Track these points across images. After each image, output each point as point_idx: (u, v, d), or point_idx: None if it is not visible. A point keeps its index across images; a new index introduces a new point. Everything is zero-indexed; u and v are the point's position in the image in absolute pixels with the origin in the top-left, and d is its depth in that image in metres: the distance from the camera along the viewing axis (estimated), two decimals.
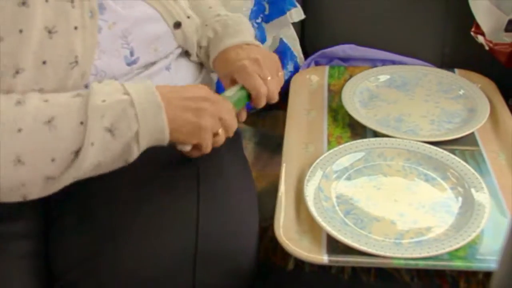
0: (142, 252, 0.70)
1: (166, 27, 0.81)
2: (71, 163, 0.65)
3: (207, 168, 0.77)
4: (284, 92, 1.11)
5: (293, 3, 1.16)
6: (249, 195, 0.82)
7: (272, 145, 1.04)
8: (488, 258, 0.73)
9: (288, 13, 1.16)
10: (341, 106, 1.01)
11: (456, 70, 1.12)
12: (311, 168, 0.85)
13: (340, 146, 0.90)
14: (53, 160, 0.64)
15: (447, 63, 1.14)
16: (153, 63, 0.81)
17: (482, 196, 0.80)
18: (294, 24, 1.19)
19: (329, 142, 0.93)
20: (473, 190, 0.81)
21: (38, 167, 0.64)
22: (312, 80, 1.11)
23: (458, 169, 0.85)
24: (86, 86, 0.72)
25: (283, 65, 1.17)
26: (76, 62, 0.70)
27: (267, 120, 1.13)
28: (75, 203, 0.75)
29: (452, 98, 1.04)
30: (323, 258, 0.73)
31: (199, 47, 0.89)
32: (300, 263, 0.77)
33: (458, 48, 1.15)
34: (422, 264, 0.72)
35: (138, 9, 0.78)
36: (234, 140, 0.88)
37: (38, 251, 0.74)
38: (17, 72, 0.66)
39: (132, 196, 0.73)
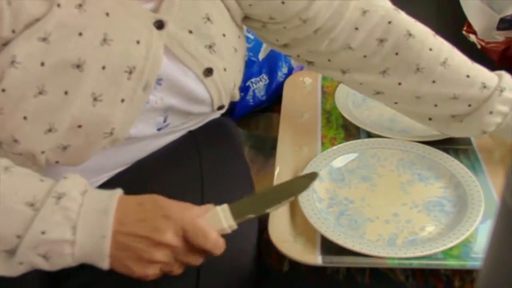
0: None
1: (210, 110, 0.79)
2: (3, 260, 0.62)
3: (211, 171, 0.77)
4: (278, 94, 1.12)
5: None
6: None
7: (266, 148, 1.04)
8: (482, 256, 0.73)
9: None
10: (335, 108, 1.01)
11: None
12: (305, 170, 0.85)
13: (333, 148, 0.90)
14: None
15: None
16: (179, 125, 0.80)
17: (476, 195, 0.80)
18: None
19: (323, 144, 0.94)
20: (466, 189, 0.82)
21: None
22: (305, 82, 1.11)
23: (451, 168, 0.86)
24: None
25: (277, 68, 1.18)
26: (111, 133, 0.69)
27: (261, 123, 1.13)
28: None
29: None
30: (318, 259, 0.73)
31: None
32: (295, 265, 0.77)
33: None
34: (416, 264, 0.73)
35: (195, 92, 0.75)
36: (236, 144, 0.88)
37: None
38: (49, 130, 0.65)
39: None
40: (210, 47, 0.75)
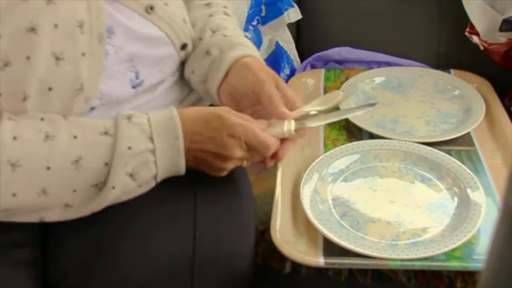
0: (140, 257, 0.70)
1: (173, 50, 0.80)
2: (92, 196, 0.69)
3: (203, 173, 0.78)
4: None
5: (290, 3, 1.17)
6: (246, 199, 0.82)
7: None
8: (484, 258, 0.73)
9: (285, 13, 1.16)
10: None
11: (451, 70, 1.12)
12: (307, 171, 0.85)
13: (336, 149, 0.90)
14: (74, 191, 0.67)
15: (442, 64, 1.14)
16: (156, 84, 0.81)
17: (478, 196, 0.80)
18: (289, 27, 1.19)
19: (325, 145, 0.94)
20: (469, 190, 0.82)
21: (60, 197, 0.68)
22: (308, 83, 1.11)
23: (454, 169, 0.86)
24: (92, 109, 0.72)
25: (280, 68, 1.18)
26: (82, 89, 0.69)
27: None
28: None
29: (448, 99, 1.04)
30: (320, 260, 0.73)
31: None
32: (297, 266, 0.77)
33: (453, 48, 1.15)
34: (418, 265, 0.73)
35: (147, 33, 0.76)
36: None
37: (35, 259, 0.75)
38: (24, 99, 0.67)
39: (128, 203, 0.73)
40: None
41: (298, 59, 1.21)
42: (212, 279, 0.71)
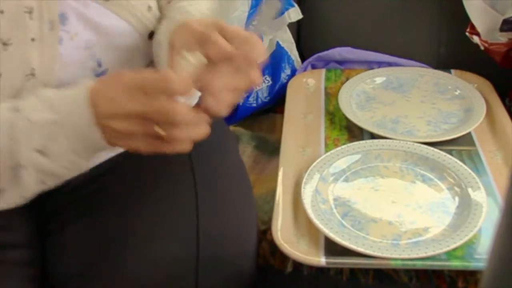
0: (144, 259, 0.70)
1: (138, 39, 0.77)
2: (15, 180, 0.64)
3: (204, 173, 0.78)
4: (281, 96, 1.12)
5: (290, 2, 1.16)
6: (247, 199, 0.82)
7: (269, 148, 1.04)
8: (486, 257, 0.73)
9: (286, 13, 1.16)
10: (338, 109, 1.01)
11: (452, 70, 1.12)
12: (308, 171, 0.85)
13: (337, 149, 0.90)
14: None
15: (443, 64, 1.14)
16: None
17: (479, 196, 0.81)
18: (290, 27, 1.19)
19: (326, 145, 0.94)
20: (470, 190, 0.82)
21: None
22: (309, 84, 1.11)
23: (455, 169, 0.86)
24: None
25: (280, 68, 1.18)
26: (33, 74, 0.68)
27: (264, 124, 1.13)
28: (74, 213, 0.76)
29: (449, 99, 1.04)
30: (321, 260, 0.74)
31: None
32: (299, 266, 0.77)
33: (454, 48, 1.15)
34: (420, 265, 0.73)
35: (109, 21, 0.74)
36: (229, 144, 0.88)
37: (32, 260, 0.74)
38: None
39: (131, 204, 0.73)
40: None
41: (299, 59, 1.21)
42: (216, 280, 0.71)
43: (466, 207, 0.80)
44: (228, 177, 0.79)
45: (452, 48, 1.16)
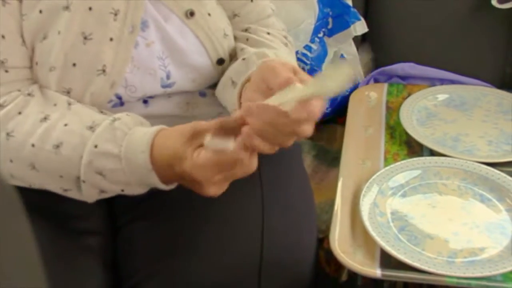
0: (209, 259, 0.73)
1: (208, 61, 0.80)
2: (76, 186, 0.71)
3: (270, 181, 0.80)
4: (343, 107, 1.14)
5: (357, 16, 1.18)
6: (309, 207, 0.85)
7: (329, 158, 1.07)
8: None
9: (352, 26, 1.18)
10: (399, 124, 1.02)
11: None
12: (367, 183, 0.87)
13: (397, 163, 0.92)
14: (61, 177, 0.71)
15: (507, 84, 1.14)
16: (192, 93, 0.82)
17: None
18: (354, 40, 1.21)
19: (385, 159, 0.95)
20: None
21: (51, 178, 0.71)
22: (370, 97, 1.13)
23: None
24: (119, 98, 0.77)
25: None
26: (103, 70, 0.74)
27: (324, 134, 1.15)
28: (144, 210, 0.80)
29: (511, 120, 1.04)
30: (377, 272, 0.75)
31: None
32: (353, 275, 0.79)
33: None
34: (474, 284, 0.74)
35: (185, 39, 0.78)
36: (295, 153, 0.91)
37: (105, 247, 0.79)
38: (50, 70, 0.73)
39: (199, 207, 0.76)
40: None
41: (362, 73, 1.22)
42: (278, 285, 0.73)
43: None
44: (293, 185, 0.82)
45: None
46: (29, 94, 0.73)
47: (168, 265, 0.73)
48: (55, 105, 0.73)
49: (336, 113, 1.19)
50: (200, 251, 0.73)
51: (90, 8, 0.72)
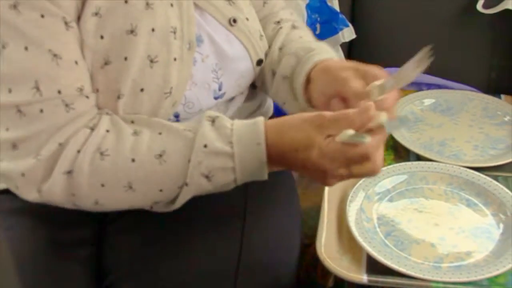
0: (186, 258, 0.73)
1: (251, 64, 0.82)
2: (173, 196, 0.70)
3: (254, 184, 0.80)
4: None
5: (345, 22, 1.19)
6: (294, 211, 0.85)
7: None
8: None
9: (340, 33, 1.19)
10: None
11: (502, 96, 1.12)
12: (354, 189, 0.87)
13: (383, 168, 0.91)
14: (161, 190, 0.69)
15: (493, 89, 1.15)
16: (233, 97, 0.84)
17: None
18: (341, 46, 1.21)
19: None
20: None
21: (146, 195, 0.69)
22: None
23: (500, 195, 0.86)
24: (176, 116, 0.76)
25: None
26: (170, 92, 0.72)
27: None
28: (132, 218, 0.79)
29: (497, 124, 1.05)
30: (363, 277, 0.75)
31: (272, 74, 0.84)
32: (340, 281, 0.79)
33: (505, 73, 1.15)
34: None
35: (232, 46, 0.79)
36: None
37: (92, 256, 0.79)
38: (118, 97, 0.70)
39: (184, 216, 0.75)
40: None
41: None
42: (255, 285, 0.73)
43: (510, 234, 0.80)
44: (277, 189, 0.81)
45: (503, 73, 1.17)
46: (108, 113, 0.71)
47: (142, 266, 0.73)
48: (132, 122, 0.71)
49: None
50: (177, 250, 0.73)
51: (153, 30, 0.71)
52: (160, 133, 0.69)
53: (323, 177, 0.66)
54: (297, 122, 0.67)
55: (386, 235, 0.81)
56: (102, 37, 0.69)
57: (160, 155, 0.68)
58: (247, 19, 0.81)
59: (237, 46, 0.80)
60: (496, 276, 0.74)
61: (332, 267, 0.77)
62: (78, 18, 0.69)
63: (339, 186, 0.89)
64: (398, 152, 0.98)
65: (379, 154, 0.66)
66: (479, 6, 1.12)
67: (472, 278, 0.73)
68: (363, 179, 0.89)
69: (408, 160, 0.95)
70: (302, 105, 0.79)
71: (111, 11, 0.69)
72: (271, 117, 0.95)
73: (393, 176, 0.91)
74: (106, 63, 0.69)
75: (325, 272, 0.80)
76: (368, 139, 0.63)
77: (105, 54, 0.69)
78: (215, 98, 0.79)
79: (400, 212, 0.85)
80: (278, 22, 0.89)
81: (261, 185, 0.81)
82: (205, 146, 0.67)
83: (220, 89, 0.79)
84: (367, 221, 0.83)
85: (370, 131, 0.64)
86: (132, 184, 0.68)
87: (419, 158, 0.96)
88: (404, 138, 1.00)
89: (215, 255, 0.73)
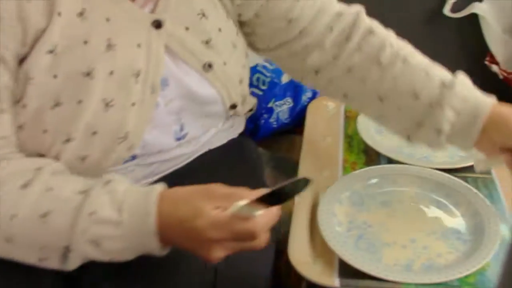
0: (163, 272, 0.72)
1: (222, 108, 0.81)
2: (60, 256, 0.65)
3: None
4: (301, 117, 1.15)
5: None
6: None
7: (288, 169, 1.06)
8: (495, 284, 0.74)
9: None
10: (357, 133, 1.03)
11: None
12: (325, 193, 0.87)
13: (355, 172, 0.92)
14: (42, 249, 0.65)
15: None
16: (199, 136, 0.82)
17: (493, 224, 0.82)
18: None
19: (344, 168, 0.96)
20: (484, 218, 0.83)
21: (27, 250, 0.65)
22: (329, 107, 1.13)
23: (470, 196, 0.87)
24: (133, 157, 0.74)
25: (302, 92, 1.20)
26: (125, 137, 0.70)
27: (283, 145, 1.15)
28: (104, 271, 0.73)
29: None
30: (335, 281, 0.75)
31: (437, 131, 0.81)
32: (313, 286, 0.79)
33: (472, 77, 1.16)
34: None
35: (204, 90, 0.77)
36: (255, 165, 0.90)
37: None
38: (67, 140, 0.68)
39: None
40: (206, 42, 0.77)
41: None
42: None
43: (479, 234, 0.81)
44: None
45: (470, 76, 1.17)
46: (4, 158, 0.66)
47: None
48: (37, 169, 0.66)
49: (295, 123, 1.19)
50: (155, 263, 0.72)
51: (111, 72, 0.69)
52: (51, 190, 0.65)
53: (209, 248, 0.63)
54: (188, 193, 0.65)
55: (357, 238, 0.81)
56: (55, 76, 0.66)
57: (44, 215, 0.63)
58: (224, 63, 0.79)
59: (210, 90, 0.78)
60: (467, 276, 0.75)
61: (305, 272, 0.77)
62: (28, 54, 0.65)
63: (310, 191, 0.90)
64: (369, 156, 0.99)
65: (266, 234, 0.64)
66: (447, 11, 1.14)
67: (443, 279, 0.74)
68: (335, 184, 0.89)
69: (379, 163, 0.96)
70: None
71: (68, 50, 0.66)
72: (241, 134, 0.95)
73: (364, 179, 0.91)
74: (56, 105, 0.66)
75: (298, 277, 0.79)
76: (259, 213, 0.62)
77: (56, 95, 0.66)
78: (177, 139, 0.78)
79: (372, 215, 0.86)
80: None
81: None
82: (93, 213, 0.63)
83: (181, 130, 0.78)
84: (338, 225, 0.83)
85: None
86: (13, 238, 0.64)
87: (390, 161, 0.96)
88: (375, 141, 1.01)
89: (192, 268, 0.72)
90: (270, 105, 1.17)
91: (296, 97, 1.19)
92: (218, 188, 0.64)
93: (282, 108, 1.18)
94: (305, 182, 0.64)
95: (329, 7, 0.85)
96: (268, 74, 1.17)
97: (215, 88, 0.78)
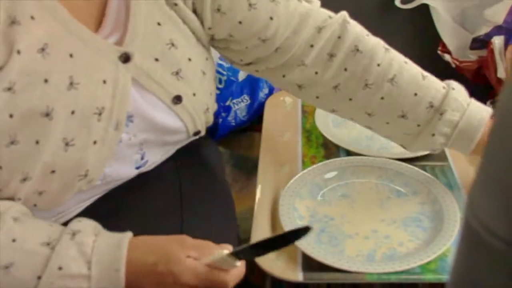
0: None
1: (185, 136, 0.80)
2: None
3: (191, 193, 0.79)
4: (259, 114, 1.14)
5: None
6: (230, 219, 0.84)
7: (248, 166, 1.06)
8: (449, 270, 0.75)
9: None
10: (315, 127, 1.03)
11: None
12: (286, 188, 0.87)
13: (314, 166, 0.92)
14: None
15: None
16: (157, 161, 0.81)
17: (452, 211, 0.83)
18: None
19: (303, 162, 0.96)
20: (443, 205, 0.84)
21: None
22: (286, 102, 1.13)
23: (428, 184, 0.88)
24: (92, 186, 0.72)
25: (258, 88, 1.20)
26: (86, 175, 0.68)
27: (242, 142, 1.15)
28: None
29: None
30: (299, 276, 0.75)
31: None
32: (277, 282, 0.79)
33: (426, 66, 1.18)
34: (394, 278, 0.74)
35: (169, 121, 0.75)
36: (216, 165, 0.90)
37: None
38: (24, 179, 0.64)
39: (124, 220, 0.73)
40: (177, 73, 0.74)
41: None
42: None
43: (439, 221, 0.82)
44: (213, 197, 0.80)
45: (424, 66, 1.19)
46: None
47: None
48: None
49: (253, 120, 1.19)
50: None
51: (73, 112, 0.65)
52: (13, 240, 0.62)
53: None
54: (160, 241, 0.66)
55: (320, 232, 0.81)
56: (11, 116, 0.62)
57: (7, 267, 0.61)
58: (194, 94, 0.77)
59: (176, 122, 0.76)
60: (428, 263, 0.75)
61: (268, 267, 0.76)
62: None
63: (271, 187, 0.90)
64: (328, 149, 0.99)
65: (233, 284, 0.67)
66: (398, 2, 1.16)
67: (405, 267, 0.74)
68: (295, 178, 0.89)
69: (338, 156, 0.96)
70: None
71: (27, 89, 0.62)
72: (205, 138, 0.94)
73: (324, 173, 0.91)
74: (12, 143, 0.63)
75: (262, 273, 0.79)
76: (238, 264, 0.66)
77: (12, 133, 0.62)
78: (137, 168, 0.77)
79: (333, 208, 0.86)
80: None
81: (198, 196, 0.80)
82: (60, 268, 0.62)
83: (142, 159, 0.76)
84: (300, 219, 0.83)
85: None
86: None
87: (349, 153, 0.97)
88: (334, 135, 1.01)
89: None
90: (227, 103, 1.16)
91: (253, 94, 1.19)
92: (188, 238, 0.66)
93: (239, 106, 1.17)
94: (305, 230, 0.67)
95: (308, 23, 0.81)
96: (224, 73, 1.16)
97: (182, 121, 0.77)
